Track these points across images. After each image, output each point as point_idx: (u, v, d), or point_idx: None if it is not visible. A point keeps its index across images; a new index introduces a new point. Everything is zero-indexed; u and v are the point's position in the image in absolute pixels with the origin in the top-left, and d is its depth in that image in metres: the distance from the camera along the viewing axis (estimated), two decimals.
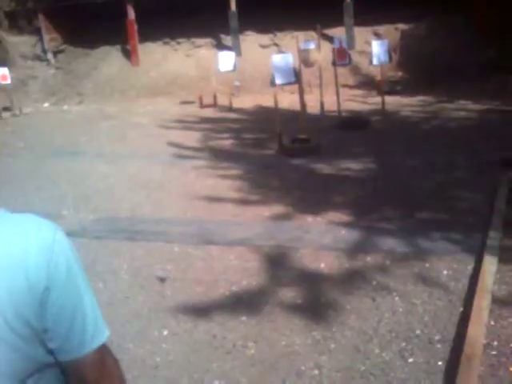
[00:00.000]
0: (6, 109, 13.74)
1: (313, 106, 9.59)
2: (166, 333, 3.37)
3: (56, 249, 0.90)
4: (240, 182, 6.40)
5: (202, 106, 12.06)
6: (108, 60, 15.78)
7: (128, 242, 4.93)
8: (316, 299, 3.61)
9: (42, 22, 17.15)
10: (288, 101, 9.77)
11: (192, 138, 8.91)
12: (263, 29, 14.21)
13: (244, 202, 5.71)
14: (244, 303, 3.63)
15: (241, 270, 4.11)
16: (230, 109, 11.49)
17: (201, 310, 3.59)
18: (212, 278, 4.02)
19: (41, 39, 17.22)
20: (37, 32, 17.40)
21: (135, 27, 15.13)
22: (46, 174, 7.53)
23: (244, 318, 3.44)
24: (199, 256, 4.44)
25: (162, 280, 4.10)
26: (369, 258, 4.16)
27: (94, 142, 9.50)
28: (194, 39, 14.96)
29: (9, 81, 13.72)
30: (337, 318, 3.34)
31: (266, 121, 9.20)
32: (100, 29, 14.80)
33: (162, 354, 3.14)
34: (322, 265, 4.10)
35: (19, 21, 18.16)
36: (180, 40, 15.12)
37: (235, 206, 5.59)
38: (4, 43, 17.16)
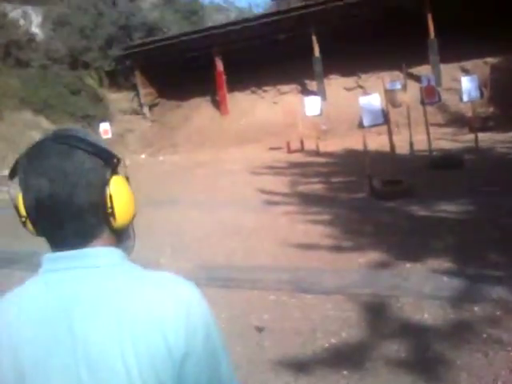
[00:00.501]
0: None
1: (402, 147, 9.40)
2: None
3: (194, 312, 0.91)
4: (332, 228, 6.34)
5: (290, 151, 12.25)
6: (199, 111, 16.56)
7: (224, 290, 5.00)
8: (422, 353, 3.43)
9: (138, 78, 18.51)
10: (376, 142, 9.66)
11: (281, 184, 9.02)
12: (347, 72, 14.33)
13: (337, 248, 5.64)
14: (345, 356, 3.52)
15: (339, 321, 4.02)
16: (318, 153, 11.56)
17: (300, 363, 3.53)
18: (310, 329, 3.95)
19: (137, 94, 18.53)
20: (133, 88, 18.76)
21: (223, 78, 15.83)
22: (145, 223, 7.88)
23: (345, 373, 3.34)
24: (295, 305, 4.41)
25: (260, 330, 4.09)
26: (476, 308, 3.91)
27: (188, 190, 9.89)
28: (279, 86, 15.40)
29: (110, 135, 14.79)
30: (447, 374, 3.14)
31: (354, 163, 9.13)
32: (190, 81, 15.66)
33: None
34: (426, 315, 3.91)
35: (118, 78, 19.70)
36: (266, 88, 15.61)
37: (328, 253, 5.52)
38: (105, 100, 18.63)
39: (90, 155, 0.94)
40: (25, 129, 15.08)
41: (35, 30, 19.76)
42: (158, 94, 18.24)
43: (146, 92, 18.28)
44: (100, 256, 0.94)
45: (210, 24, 20.10)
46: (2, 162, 13.68)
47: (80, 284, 0.90)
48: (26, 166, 0.94)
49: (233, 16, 25.47)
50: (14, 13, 19.13)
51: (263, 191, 8.69)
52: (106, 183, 0.95)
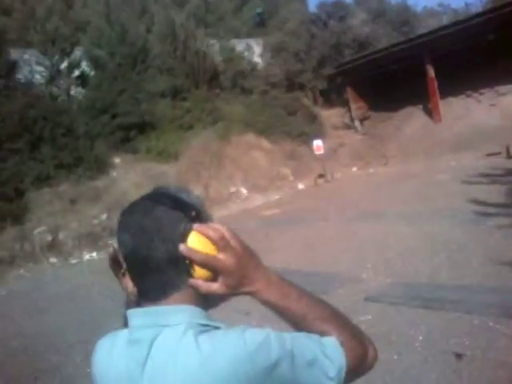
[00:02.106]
0: (320, 176, 15.28)
1: None
2: None
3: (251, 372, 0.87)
4: None
5: (509, 156, 10.97)
6: (410, 120, 16.02)
7: (424, 310, 4.72)
8: None
9: (349, 94, 18.79)
10: None
11: (497, 193, 8.13)
12: None
13: None
14: None
15: None
16: None
17: None
18: None
19: (348, 109, 18.79)
20: (345, 103, 19.08)
21: (435, 84, 15.05)
22: (350, 236, 7.95)
23: None
24: (502, 332, 3.92)
25: (459, 357, 3.75)
26: None
27: (395, 202, 9.62)
28: (497, 87, 13.96)
29: (322, 151, 15.30)
30: None
31: None
32: (401, 92, 15.27)
33: None
34: None
35: (331, 96, 20.27)
36: (483, 90, 14.34)
37: None
38: (319, 118, 19.33)
39: (170, 209, 0.99)
40: (248, 150, 16.56)
41: (256, 59, 21.63)
42: (369, 107, 18.23)
43: (357, 106, 18.44)
44: (171, 315, 0.97)
45: (421, 31, 19.33)
46: (229, 181, 15.27)
47: (149, 345, 0.95)
48: (119, 222, 1.03)
49: (445, 19, 24.04)
50: (239, 46, 21.28)
51: (475, 202, 7.95)
52: (185, 236, 0.97)
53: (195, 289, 1.00)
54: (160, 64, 17.71)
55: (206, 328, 0.95)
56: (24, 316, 7.26)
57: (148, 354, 0.95)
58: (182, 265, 0.98)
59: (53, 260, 10.97)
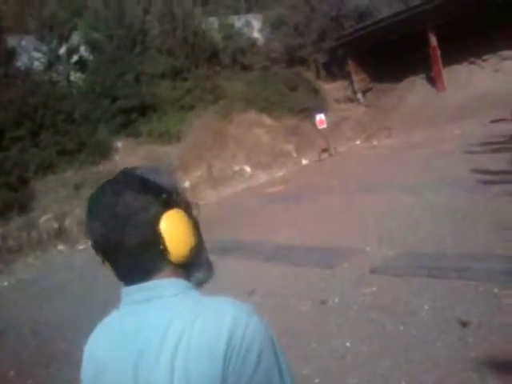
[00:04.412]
0: (324, 150, 15.16)
1: None
2: None
3: (248, 339, 0.87)
4: None
5: None
6: (413, 90, 15.81)
7: (429, 279, 4.70)
8: None
9: (351, 66, 18.52)
10: None
11: (501, 160, 8.02)
12: None
13: None
14: None
15: None
16: None
17: (509, 365, 3.11)
18: None
19: (351, 82, 18.55)
20: (347, 76, 18.83)
21: (438, 53, 14.81)
22: (354, 210, 7.91)
23: None
24: (507, 298, 3.89)
25: (464, 325, 3.73)
26: None
27: (399, 173, 9.55)
28: (501, 52, 13.70)
29: (325, 125, 15.16)
30: None
31: None
32: (403, 62, 15.04)
33: None
34: None
35: (332, 69, 20.01)
36: (485, 57, 14.09)
37: None
38: (321, 92, 19.12)
39: (140, 194, 0.96)
40: (250, 127, 16.44)
41: (256, 35, 21.33)
42: (371, 78, 17.97)
43: (359, 78, 18.19)
44: (162, 288, 0.96)
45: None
46: (233, 160, 15.21)
47: (144, 317, 0.94)
48: (87, 210, 1.00)
49: None
50: (239, 23, 20.97)
51: (479, 170, 7.85)
52: (156, 221, 0.95)
53: (177, 268, 0.99)
54: (159, 45, 17.51)
55: (197, 297, 0.97)
56: (34, 304, 7.33)
57: (145, 324, 0.93)
58: (157, 249, 0.95)
59: (60, 247, 11.03)
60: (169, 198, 0.98)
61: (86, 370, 1.04)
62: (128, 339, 0.94)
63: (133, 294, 0.98)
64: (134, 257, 0.96)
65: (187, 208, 1.04)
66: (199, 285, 1.05)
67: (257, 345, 0.88)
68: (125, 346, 0.94)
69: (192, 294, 0.98)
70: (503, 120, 11.34)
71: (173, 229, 0.96)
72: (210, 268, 1.08)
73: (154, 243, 0.95)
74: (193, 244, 1.00)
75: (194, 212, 1.07)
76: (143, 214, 0.95)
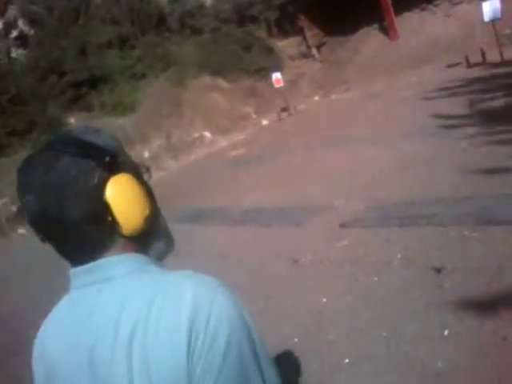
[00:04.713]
0: (283, 109, 15.00)
1: None
2: (446, 333, 3.02)
3: (214, 320, 0.75)
4: None
5: (469, 65, 10.86)
6: (367, 41, 15.70)
7: (400, 228, 4.69)
8: None
9: (303, 21, 18.20)
10: None
11: (459, 105, 8.05)
12: None
13: None
14: None
15: None
16: (502, 62, 9.99)
17: (485, 305, 3.12)
18: (496, 266, 3.46)
19: (304, 38, 18.27)
20: (300, 32, 18.52)
21: (389, 1, 14.67)
22: (319, 166, 7.85)
23: None
24: (478, 239, 3.90)
25: (439, 270, 3.73)
26: None
27: (361, 126, 9.50)
28: None
29: (282, 83, 14.94)
30: None
31: None
32: (356, 13, 14.86)
33: (443, 357, 2.82)
34: None
35: (284, 26, 19.64)
36: (437, 2, 14.05)
37: None
38: (275, 50, 18.79)
39: (78, 158, 0.81)
40: (206, 92, 16.08)
41: None
42: (325, 33, 17.72)
43: (312, 33, 17.92)
44: (112, 267, 0.82)
45: None
46: (191, 126, 14.91)
47: (95, 302, 0.81)
48: (18, 183, 0.84)
49: None
50: None
51: (439, 116, 7.86)
52: (101, 188, 0.81)
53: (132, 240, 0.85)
54: (103, 14, 16.74)
55: (155, 275, 0.83)
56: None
57: (90, 315, 0.80)
58: (104, 222, 0.80)
59: (21, 231, 10.64)
60: (113, 161, 0.83)
61: (38, 372, 0.90)
62: (80, 330, 0.81)
63: (81, 276, 0.84)
64: (78, 233, 0.81)
65: (136, 172, 0.89)
66: (160, 258, 0.92)
67: (225, 326, 0.75)
68: (77, 337, 0.81)
69: (149, 271, 0.83)
70: (458, 64, 11.38)
71: (121, 196, 0.81)
72: (169, 238, 0.94)
73: (101, 215, 0.80)
74: (147, 212, 0.86)
75: (145, 176, 0.91)
76: (83, 182, 0.80)
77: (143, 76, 15.75)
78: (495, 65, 10.20)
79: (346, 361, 3.13)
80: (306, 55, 18.21)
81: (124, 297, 0.79)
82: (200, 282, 0.79)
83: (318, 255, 4.75)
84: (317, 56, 17.88)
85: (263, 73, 17.03)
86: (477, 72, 10.33)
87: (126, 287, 0.80)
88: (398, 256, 4.19)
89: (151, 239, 0.90)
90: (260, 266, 4.98)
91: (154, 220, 0.88)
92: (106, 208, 0.80)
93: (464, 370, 2.67)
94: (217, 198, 8.16)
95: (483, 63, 10.63)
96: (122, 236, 0.83)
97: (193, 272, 0.82)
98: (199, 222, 6.96)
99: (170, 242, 0.95)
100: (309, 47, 18.15)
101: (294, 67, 17.82)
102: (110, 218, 0.80)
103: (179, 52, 16.96)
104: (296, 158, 8.95)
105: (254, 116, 15.65)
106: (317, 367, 3.18)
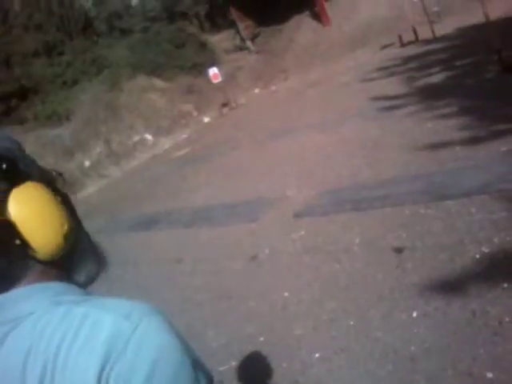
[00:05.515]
0: (224, 105, 14.82)
1: None
2: (415, 315, 2.96)
3: (131, 355, 0.60)
4: (463, 118, 5.53)
5: (403, 44, 11.09)
6: (300, 29, 15.76)
7: (354, 213, 4.63)
8: None
9: (234, 14, 18.04)
10: (501, 10, 8.22)
11: (398, 84, 8.17)
12: None
13: (473, 140, 4.88)
14: (501, 266, 2.99)
15: (488, 225, 3.44)
16: (434, 39, 10.26)
17: (450, 282, 3.08)
18: (455, 240, 3.44)
19: (237, 30, 18.12)
20: (232, 25, 18.36)
21: None
22: (267, 158, 7.75)
23: (506, 285, 2.83)
24: (434, 216, 3.89)
25: (399, 251, 3.69)
26: None
27: (304, 114, 9.48)
28: None
29: (220, 78, 14.73)
30: None
31: (478, 41, 7.90)
32: (286, 2, 14.84)
33: (415, 341, 2.76)
34: None
35: (216, 19, 19.44)
36: None
37: (464, 148, 4.82)
38: (209, 45, 18.55)
39: None
40: (142, 93, 15.66)
41: None
42: (257, 24, 17.65)
43: (244, 26, 17.81)
44: (17, 303, 0.65)
45: None
46: (131, 130, 14.48)
47: (6, 343, 0.63)
48: None
49: None
50: None
51: (380, 97, 7.93)
52: (1, 204, 0.63)
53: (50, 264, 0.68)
54: (25, 21, 15.96)
55: (75, 309, 0.64)
56: None
57: (3, 361, 0.62)
58: (11, 246, 0.63)
59: None
60: (12, 169, 0.65)
61: None
62: None
63: None
64: None
65: (46, 179, 0.71)
66: (90, 281, 0.75)
67: (144, 361, 0.60)
68: None
69: (65, 302, 0.65)
70: (392, 44, 11.57)
71: (29, 211, 0.64)
72: (99, 256, 0.77)
73: (5, 239, 0.63)
74: (65, 228, 0.68)
75: (59, 183, 0.72)
76: None
77: (75, 82, 15.15)
78: (428, 42, 10.43)
79: (317, 355, 3.02)
80: (241, 48, 18.08)
81: (30, 340, 0.62)
82: (120, 314, 0.63)
83: (276, 249, 4.63)
84: (252, 48, 17.78)
85: (199, 68, 16.77)
86: (411, 50, 10.54)
87: (32, 327, 0.63)
88: (357, 241, 4.13)
89: (77, 260, 0.73)
90: (217, 266, 4.81)
91: (75, 236, 0.71)
92: (10, 229, 0.63)
93: (438, 351, 2.61)
94: (166, 201, 7.90)
95: (416, 41, 10.86)
96: (40, 262, 0.66)
97: (118, 301, 0.66)
98: (150, 229, 6.71)
99: (100, 260, 0.78)
100: (243, 40, 18.03)
101: (231, 61, 17.65)
102: (17, 242, 0.63)
103: (110, 54, 16.44)
104: (243, 152, 8.81)
105: (195, 114, 15.37)
106: (287, 365, 3.05)
